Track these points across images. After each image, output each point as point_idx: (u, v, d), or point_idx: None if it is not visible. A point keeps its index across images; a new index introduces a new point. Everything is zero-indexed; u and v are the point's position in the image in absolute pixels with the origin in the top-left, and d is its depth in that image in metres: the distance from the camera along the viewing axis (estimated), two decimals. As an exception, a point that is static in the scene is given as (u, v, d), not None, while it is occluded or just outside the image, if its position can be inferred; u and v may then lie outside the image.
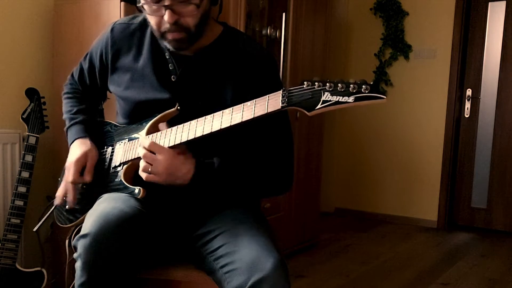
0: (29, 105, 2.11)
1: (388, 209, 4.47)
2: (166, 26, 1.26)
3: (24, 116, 2.10)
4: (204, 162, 1.26)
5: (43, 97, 2.14)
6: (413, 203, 4.37)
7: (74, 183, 1.40)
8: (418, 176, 4.34)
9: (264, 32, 2.96)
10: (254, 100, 1.13)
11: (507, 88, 4.10)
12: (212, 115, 1.20)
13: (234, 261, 1.20)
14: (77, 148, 1.43)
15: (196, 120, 1.23)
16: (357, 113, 4.52)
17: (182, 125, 1.25)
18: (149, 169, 1.23)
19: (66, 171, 1.43)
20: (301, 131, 3.20)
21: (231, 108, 1.17)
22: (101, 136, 1.48)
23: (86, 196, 1.42)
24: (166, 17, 1.24)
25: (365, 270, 3.12)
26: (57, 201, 1.43)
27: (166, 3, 1.22)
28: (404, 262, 3.31)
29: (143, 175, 1.25)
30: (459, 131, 4.29)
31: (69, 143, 1.48)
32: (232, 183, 1.30)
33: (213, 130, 1.18)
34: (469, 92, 4.23)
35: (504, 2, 4.06)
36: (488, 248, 3.72)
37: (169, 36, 1.28)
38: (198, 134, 1.21)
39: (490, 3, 4.11)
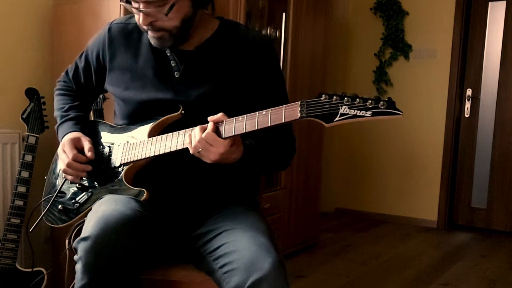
0: (29, 105, 2.11)
1: (388, 209, 4.47)
2: (144, 27, 1.30)
3: (24, 116, 2.09)
4: (248, 146, 1.27)
5: (43, 97, 2.14)
6: (413, 203, 4.37)
7: (74, 160, 1.37)
8: (418, 176, 4.34)
9: (264, 32, 2.95)
10: (270, 109, 1.15)
11: (507, 88, 4.10)
12: (223, 122, 1.20)
13: (233, 261, 1.20)
14: (69, 135, 1.42)
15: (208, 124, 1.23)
16: (357, 113, 4.51)
17: (190, 129, 1.25)
18: (199, 151, 1.21)
19: (59, 155, 1.41)
20: (301, 132, 3.20)
21: (245, 115, 1.18)
22: (96, 135, 1.47)
23: (85, 189, 1.41)
24: (140, 19, 1.27)
25: (365, 270, 3.12)
26: (76, 181, 1.40)
27: (137, 7, 1.26)
28: (404, 262, 3.31)
29: (190, 150, 1.23)
30: (459, 131, 4.29)
31: (59, 140, 1.46)
32: (259, 161, 1.33)
33: (225, 136, 1.19)
34: (469, 92, 4.23)
35: (504, 2, 4.06)
36: (488, 248, 3.72)
37: (150, 34, 1.31)
38: None
39: (490, 3, 4.11)
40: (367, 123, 4.48)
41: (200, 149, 1.20)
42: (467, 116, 4.25)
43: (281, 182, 3.10)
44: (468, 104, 4.24)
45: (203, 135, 1.19)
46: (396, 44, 4.32)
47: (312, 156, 3.40)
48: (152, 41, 1.33)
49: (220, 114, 1.21)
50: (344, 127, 4.57)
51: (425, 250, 3.64)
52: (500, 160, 4.14)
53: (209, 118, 1.21)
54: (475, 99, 4.22)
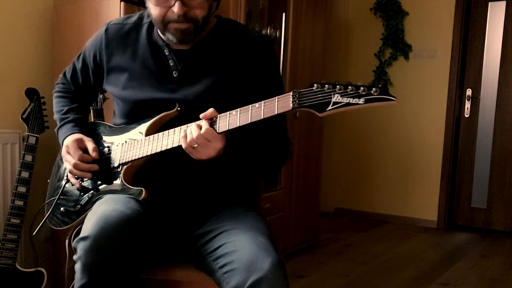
0: (29, 105, 2.11)
1: (388, 209, 4.46)
2: (173, 17, 1.27)
3: (24, 116, 2.09)
4: (231, 140, 1.26)
5: (43, 97, 2.14)
6: (413, 203, 4.37)
7: (81, 160, 1.37)
8: (418, 176, 4.34)
9: (264, 32, 2.95)
10: (262, 101, 1.15)
11: (507, 87, 4.10)
12: (218, 116, 1.20)
13: (232, 261, 1.20)
14: (71, 137, 1.43)
15: (202, 121, 1.23)
16: (357, 113, 4.51)
17: (185, 126, 1.25)
18: (195, 146, 1.21)
19: (64, 157, 1.41)
20: (301, 131, 3.20)
21: (238, 109, 1.18)
22: (95, 136, 1.47)
23: (87, 190, 1.41)
24: (176, 8, 1.25)
25: (365, 270, 3.12)
26: (77, 184, 1.40)
27: None
28: (404, 262, 3.31)
29: (184, 144, 1.22)
30: (459, 131, 4.29)
31: (60, 142, 1.46)
32: (245, 157, 1.33)
33: (219, 131, 1.20)
34: (469, 92, 4.23)
35: (504, 2, 4.05)
36: (488, 248, 3.72)
37: (175, 26, 1.29)
38: None
39: (490, 3, 4.11)
40: (368, 122, 4.48)
41: (196, 145, 1.20)
42: (467, 116, 4.25)
43: (281, 182, 3.10)
44: (468, 104, 4.24)
45: (202, 131, 1.19)
46: (396, 44, 4.32)
47: (312, 156, 3.40)
48: (174, 36, 1.30)
49: (211, 110, 1.21)
50: (344, 127, 4.58)
51: (425, 250, 3.64)
52: (500, 160, 4.14)
53: (201, 116, 1.21)
54: (475, 99, 4.22)
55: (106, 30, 1.44)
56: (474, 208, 4.26)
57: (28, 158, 2.06)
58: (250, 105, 1.16)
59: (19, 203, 2.05)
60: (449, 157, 4.23)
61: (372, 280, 2.95)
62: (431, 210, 4.30)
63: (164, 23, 1.30)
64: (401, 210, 4.41)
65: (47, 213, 1.47)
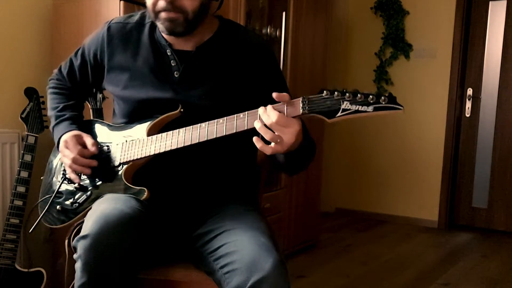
0: (28, 105, 2.10)
1: (388, 209, 4.46)
2: (162, 6, 1.27)
3: (23, 116, 2.09)
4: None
5: (42, 97, 2.13)
6: (414, 203, 4.36)
7: (80, 155, 1.36)
8: (418, 176, 4.33)
9: (264, 31, 2.95)
10: (271, 106, 1.14)
11: (508, 87, 4.09)
12: (224, 118, 1.20)
13: (233, 261, 1.19)
14: (69, 133, 1.41)
15: (206, 122, 1.23)
16: (357, 113, 4.50)
17: (190, 127, 1.25)
18: (278, 140, 1.13)
19: (62, 152, 1.40)
20: (301, 131, 3.18)
21: (246, 112, 1.17)
22: (93, 134, 1.46)
23: (84, 189, 1.40)
24: None
25: (365, 270, 3.11)
26: (76, 180, 1.39)
27: None
28: (404, 262, 3.31)
29: (267, 149, 1.15)
30: (459, 131, 4.28)
31: (55, 140, 1.45)
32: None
33: (227, 133, 1.19)
34: (469, 91, 4.22)
35: (505, 1, 4.05)
36: (489, 248, 3.72)
37: (164, 15, 1.28)
38: (210, 137, 1.21)
39: (491, 2, 4.10)
40: (368, 122, 4.47)
41: (278, 139, 1.13)
42: (467, 115, 4.24)
43: (281, 182, 3.09)
44: (468, 104, 4.23)
45: (273, 118, 1.12)
46: (397, 43, 4.31)
47: (313, 156, 3.39)
48: (163, 25, 1.29)
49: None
50: (344, 127, 4.57)
51: (426, 250, 3.63)
52: (501, 160, 4.14)
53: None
54: (476, 98, 4.21)
55: (108, 28, 1.43)
56: (475, 208, 4.25)
57: (27, 157, 2.05)
58: (258, 109, 1.16)
59: (18, 203, 2.04)
60: (449, 157, 4.22)
61: (372, 280, 2.94)
62: (432, 210, 4.29)
63: (155, 12, 1.30)
64: (402, 210, 4.40)
65: (42, 211, 1.46)
